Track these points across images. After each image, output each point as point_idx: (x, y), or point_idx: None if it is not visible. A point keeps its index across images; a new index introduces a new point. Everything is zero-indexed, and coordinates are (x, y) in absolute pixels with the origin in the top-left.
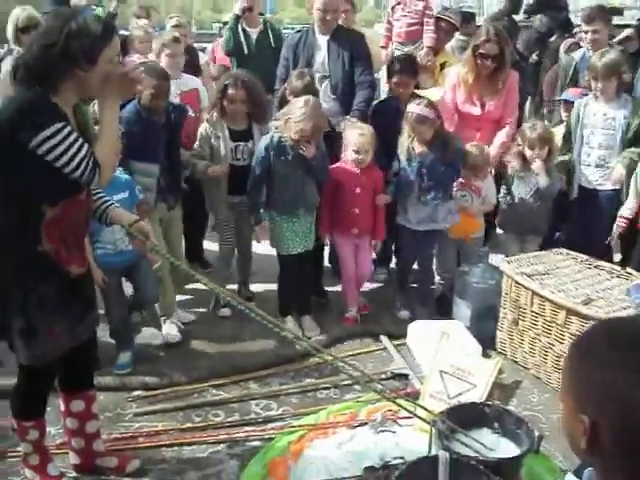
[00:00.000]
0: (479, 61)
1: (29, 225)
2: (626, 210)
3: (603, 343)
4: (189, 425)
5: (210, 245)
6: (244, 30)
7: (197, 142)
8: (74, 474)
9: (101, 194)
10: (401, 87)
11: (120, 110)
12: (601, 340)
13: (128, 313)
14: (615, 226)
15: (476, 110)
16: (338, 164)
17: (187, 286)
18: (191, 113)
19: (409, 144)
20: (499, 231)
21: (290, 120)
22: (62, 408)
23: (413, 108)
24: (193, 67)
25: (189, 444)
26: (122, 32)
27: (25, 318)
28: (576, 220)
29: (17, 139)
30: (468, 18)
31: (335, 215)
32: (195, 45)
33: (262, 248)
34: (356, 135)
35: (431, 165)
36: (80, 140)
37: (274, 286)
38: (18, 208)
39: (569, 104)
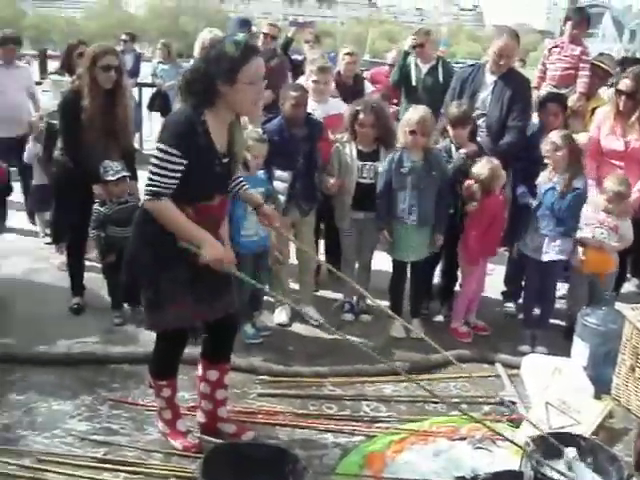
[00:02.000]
0: (617, 97)
1: None
2: None
3: None
4: (304, 412)
5: None
6: (416, 64)
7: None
8: (198, 434)
9: (240, 177)
10: (551, 115)
11: (266, 123)
12: None
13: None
14: None
15: (619, 145)
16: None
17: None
18: (331, 136)
19: (549, 176)
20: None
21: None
22: (199, 373)
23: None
24: (357, 93)
25: (301, 427)
26: (296, 57)
27: (155, 291)
28: None
29: (158, 140)
30: (631, 64)
31: (483, 241)
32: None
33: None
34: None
35: (561, 197)
36: (168, 171)
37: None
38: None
39: None
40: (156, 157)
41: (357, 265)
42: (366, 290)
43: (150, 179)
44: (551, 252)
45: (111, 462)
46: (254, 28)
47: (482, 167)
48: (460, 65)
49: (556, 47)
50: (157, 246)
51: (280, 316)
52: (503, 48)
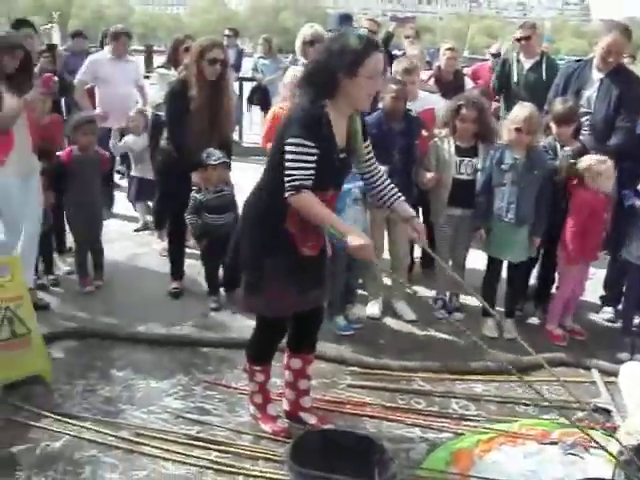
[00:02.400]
0: None
1: (280, 207)
2: None
3: None
4: (393, 405)
5: None
6: (518, 60)
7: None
8: (284, 419)
9: (391, 185)
10: None
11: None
12: None
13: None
14: None
15: None
16: (582, 191)
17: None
18: (424, 132)
19: None
20: None
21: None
22: (285, 361)
23: None
24: (457, 89)
25: (389, 420)
26: (395, 52)
27: (259, 277)
28: None
29: (283, 136)
30: None
31: (582, 240)
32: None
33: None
34: (599, 166)
35: None
36: (306, 163)
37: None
38: (276, 190)
39: None
40: (290, 152)
41: (451, 262)
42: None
43: (289, 175)
44: None
45: (203, 440)
46: (355, 24)
47: (587, 160)
48: (564, 62)
49: None
50: (264, 232)
51: (372, 309)
52: (612, 44)
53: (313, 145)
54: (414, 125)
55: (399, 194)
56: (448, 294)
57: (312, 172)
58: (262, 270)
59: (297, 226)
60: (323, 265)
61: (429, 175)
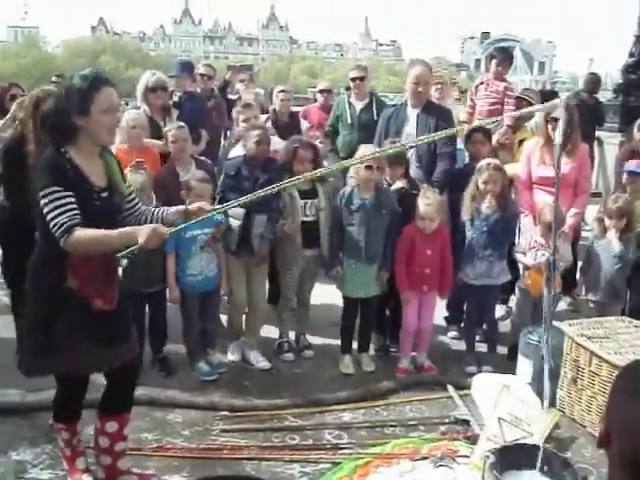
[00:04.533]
0: (550, 125)
1: (55, 264)
2: None
3: (621, 374)
4: (268, 444)
5: None
6: (350, 103)
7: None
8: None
9: (151, 208)
10: (478, 144)
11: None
12: (622, 373)
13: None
14: None
15: (549, 172)
16: (410, 227)
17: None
18: None
19: (475, 204)
20: (582, 297)
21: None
22: (98, 426)
23: (487, 160)
24: (293, 130)
25: (267, 460)
26: (230, 97)
27: (49, 337)
28: None
29: (36, 192)
30: (548, 97)
31: (408, 272)
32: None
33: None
34: (423, 205)
35: (494, 224)
36: (67, 205)
37: (328, 339)
38: (47, 249)
39: (635, 175)
40: (47, 202)
41: (296, 302)
42: (306, 325)
43: (55, 223)
44: (492, 276)
45: None
46: (195, 70)
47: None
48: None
49: (482, 84)
50: (48, 293)
51: (233, 355)
52: (419, 75)
53: (62, 189)
54: (273, 170)
55: (161, 208)
56: (294, 334)
57: (77, 212)
58: (51, 331)
59: (83, 279)
60: (124, 318)
61: (289, 226)
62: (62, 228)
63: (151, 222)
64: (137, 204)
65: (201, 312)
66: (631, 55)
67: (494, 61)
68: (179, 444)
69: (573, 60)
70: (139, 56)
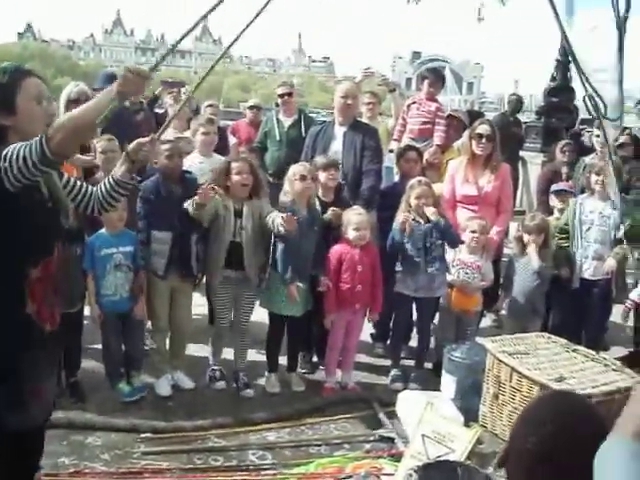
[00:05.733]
0: (474, 142)
1: (15, 287)
2: (635, 294)
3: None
4: (191, 466)
5: None
6: (278, 120)
7: None
8: None
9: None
10: (411, 162)
11: (142, 182)
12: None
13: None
14: (623, 308)
15: (473, 190)
16: (338, 246)
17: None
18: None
19: (410, 219)
20: (503, 312)
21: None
22: None
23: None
24: (222, 147)
25: None
26: (157, 110)
27: (12, 383)
28: (572, 308)
29: None
30: (475, 117)
31: (337, 291)
32: (221, 122)
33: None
34: (355, 215)
35: (431, 237)
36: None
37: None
38: (3, 271)
39: (562, 194)
40: (6, 157)
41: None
42: (243, 359)
43: (25, 152)
44: (433, 289)
45: None
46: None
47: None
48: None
49: (414, 103)
50: (10, 323)
51: (161, 389)
52: (347, 90)
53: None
54: (192, 188)
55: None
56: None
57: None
58: (14, 373)
59: (39, 302)
60: (61, 341)
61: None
62: (36, 141)
63: (107, 188)
64: (82, 187)
65: (122, 333)
66: (553, 79)
67: (426, 81)
68: (98, 468)
69: (499, 82)
70: (68, 65)
